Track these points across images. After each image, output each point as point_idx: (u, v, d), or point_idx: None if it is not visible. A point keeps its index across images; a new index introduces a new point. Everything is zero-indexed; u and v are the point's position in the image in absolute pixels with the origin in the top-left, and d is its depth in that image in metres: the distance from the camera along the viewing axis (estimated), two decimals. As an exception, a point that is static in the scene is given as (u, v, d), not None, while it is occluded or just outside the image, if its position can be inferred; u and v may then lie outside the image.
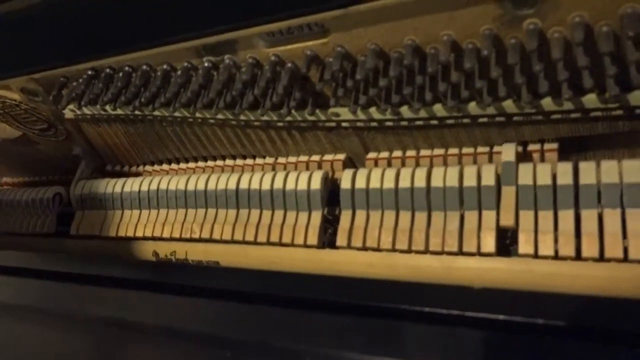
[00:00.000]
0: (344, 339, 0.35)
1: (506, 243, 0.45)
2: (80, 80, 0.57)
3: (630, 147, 0.46)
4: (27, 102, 0.65)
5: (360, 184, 0.50)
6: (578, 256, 0.40)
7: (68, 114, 0.64)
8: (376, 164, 0.54)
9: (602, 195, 0.41)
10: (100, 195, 0.67)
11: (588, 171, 0.42)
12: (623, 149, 0.46)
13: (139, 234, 0.63)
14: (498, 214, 0.45)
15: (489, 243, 0.44)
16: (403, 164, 0.53)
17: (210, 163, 0.66)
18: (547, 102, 0.43)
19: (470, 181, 0.46)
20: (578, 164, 0.43)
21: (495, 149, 0.49)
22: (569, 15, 0.36)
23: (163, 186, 0.62)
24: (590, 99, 0.41)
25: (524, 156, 0.47)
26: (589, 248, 0.40)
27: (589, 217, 0.41)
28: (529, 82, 0.41)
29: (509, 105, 0.44)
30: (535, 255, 0.42)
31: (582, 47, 0.37)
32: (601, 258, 0.40)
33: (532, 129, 0.46)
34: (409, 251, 0.47)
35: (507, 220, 0.43)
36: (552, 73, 0.39)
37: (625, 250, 0.39)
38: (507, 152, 0.46)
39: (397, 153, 0.54)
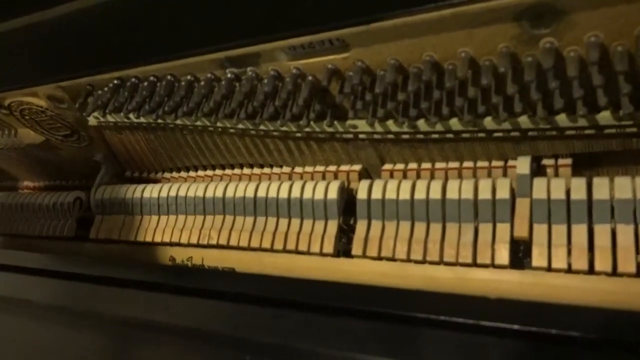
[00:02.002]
0: (358, 343, 0.35)
1: (519, 256, 0.46)
2: (106, 89, 0.59)
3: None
4: (52, 109, 0.67)
5: (377, 194, 0.51)
6: (591, 270, 0.41)
7: (92, 121, 0.66)
8: (392, 176, 0.55)
9: (615, 211, 0.41)
10: (120, 200, 0.68)
11: (601, 187, 0.43)
12: (636, 165, 0.47)
13: (157, 239, 0.64)
14: (512, 227, 0.46)
15: (503, 255, 0.45)
16: (418, 176, 0.54)
17: (228, 171, 0.67)
18: (561, 119, 0.44)
19: (484, 194, 0.47)
20: (592, 180, 0.43)
21: (510, 162, 0.50)
22: (584, 35, 0.37)
23: (182, 193, 0.64)
24: (605, 116, 0.42)
25: (537, 171, 0.48)
26: (602, 262, 0.41)
27: (602, 231, 0.42)
28: (544, 98, 0.42)
29: (524, 120, 0.45)
30: (549, 269, 0.42)
31: (597, 66, 0.38)
32: (614, 272, 0.40)
33: (547, 144, 0.47)
34: (423, 262, 0.48)
35: (521, 232, 0.44)
36: (568, 90, 0.40)
37: (638, 265, 0.39)
38: (522, 165, 0.47)
39: (413, 165, 0.55)
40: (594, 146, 0.46)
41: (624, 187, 0.42)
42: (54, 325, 0.54)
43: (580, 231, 0.42)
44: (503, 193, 0.46)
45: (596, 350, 0.32)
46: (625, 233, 0.41)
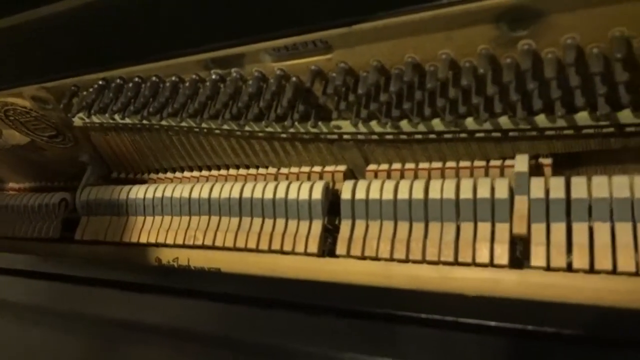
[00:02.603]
0: (338, 340, 0.36)
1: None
2: (91, 89, 0.58)
3: (622, 163, 0.48)
4: (37, 110, 0.66)
5: (360, 194, 0.52)
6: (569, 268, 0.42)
7: (77, 121, 0.66)
8: (376, 176, 0.55)
9: (593, 210, 0.42)
10: (106, 201, 0.68)
11: (580, 185, 0.43)
12: (615, 164, 0.48)
13: (143, 240, 0.64)
14: (493, 225, 0.46)
15: (484, 254, 0.45)
16: (402, 176, 0.54)
17: (214, 172, 0.68)
18: (541, 119, 0.44)
19: (466, 193, 0.47)
20: (570, 179, 0.44)
21: (492, 162, 0.51)
22: (561, 37, 0.38)
23: (168, 194, 0.64)
24: (582, 117, 0.43)
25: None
26: (580, 260, 0.41)
27: (581, 229, 0.43)
28: (523, 99, 0.43)
29: (504, 121, 0.46)
30: (528, 266, 0.43)
31: (574, 67, 0.38)
32: (591, 270, 0.41)
33: (527, 144, 0.48)
34: (406, 261, 0.49)
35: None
36: (546, 91, 0.41)
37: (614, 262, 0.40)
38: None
39: (397, 165, 0.55)
40: (574, 146, 0.47)
41: (601, 186, 0.42)
42: (39, 327, 0.53)
43: (559, 229, 0.43)
44: (484, 193, 0.46)
45: (573, 345, 0.33)
46: (603, 231, 0.41)
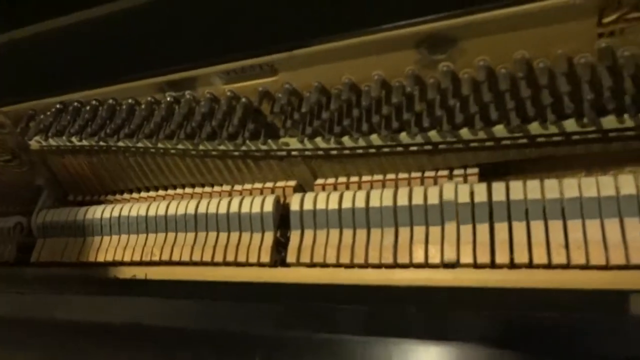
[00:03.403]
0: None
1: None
2: (49, 113, 0.61)
3: (539, 172, 0.53)
4: (-7, 134, 0.68)
5: (308, 206, 0.56)
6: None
7: (34, 145, 0.67)
8: (323, 189, 0.60)
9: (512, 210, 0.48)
10: (62, 222, 0.69)
11: (500, 190, 0.49)
12: (535, 173, 0.54)
13: (101, 259, 0.66)
14: (427, 228, 0.51)
15: (420, 255, 0.50)
16: (347, 189, 0.59)
17: (170, 192, 0.70)
18: (464, 132, 0.50)
19: (402, 201, 0.52)
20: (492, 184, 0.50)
21: (426, 174, 0.56)
22: (474, 59, 0.44)
23: (125, 213, 0.66)
24: (499, 129, 0.49)
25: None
26: (502, 256, 0.46)
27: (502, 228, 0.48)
28: (448, 114, 0.48)
29: (433, 134, 0.51)
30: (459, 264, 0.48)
31: (486, 84, 0.44)
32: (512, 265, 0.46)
33: (456, 156, 0.54)
34: (351, 266, 0.53)
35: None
36: (466, 107, 0.47)
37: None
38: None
39: (342, 179, 0.60)
40: (496, 156, 0.53)
41: (517, 189, 0.48)
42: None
43: (483, 229, 0.48)
44: (418, 200, 0.51)
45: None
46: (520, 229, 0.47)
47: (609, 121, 0.45)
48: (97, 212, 0.68)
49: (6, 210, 0.82)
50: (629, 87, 0.41)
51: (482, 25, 0.41)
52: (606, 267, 0.43)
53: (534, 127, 0.48)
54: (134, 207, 0.66)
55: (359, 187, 0.58)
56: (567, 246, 0.45)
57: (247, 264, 0.58)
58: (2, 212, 0.83)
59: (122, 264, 0.65)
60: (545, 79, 0.42)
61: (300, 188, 0.63)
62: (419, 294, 0.39)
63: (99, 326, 0.46)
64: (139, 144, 0.61)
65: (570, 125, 0.47)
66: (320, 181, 0.61)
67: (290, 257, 0.55)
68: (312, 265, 0.54)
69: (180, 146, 0.60)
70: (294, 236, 0.56)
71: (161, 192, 0.71)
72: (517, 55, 0.42)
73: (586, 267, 0.44)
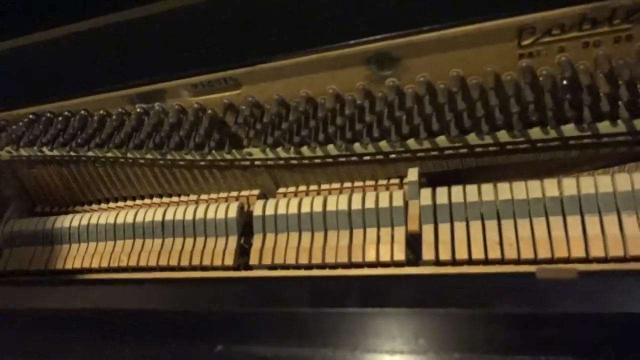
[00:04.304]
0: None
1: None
2: (21, 123, 0.63)
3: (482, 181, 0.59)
4: (-38, 145, 0.70)
5: (270, 211, 0.60)
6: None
7: (4, 155, 0.69)
8: (285, 197, 0.64)
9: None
10: (30, 232, 0.71)
11: (459, 192, 0.53)
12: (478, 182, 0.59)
13: (69, 266, 0.67)
14: (379, 230, 0.55)
15: (371, 254, 0.54)
16: (307, 196, 0.63)
17: (138, 202, 0.73)
18: (411, 142, 0.55)
19: (356, 205, 0.57)
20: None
21: (379, 182, 0.61)
22: (416, 76, 0.50)
23: (93, 221, 0.68)
24: (441, 140, 0.54)
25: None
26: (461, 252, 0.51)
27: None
28: (396, 125, 0.53)
29: (383, 145, 0.56)
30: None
31: (427, 98, 0.50)
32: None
33: (405, 165, 0.59)
34: (310, 266, 0.57)
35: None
36: (411, 119, 0.52)
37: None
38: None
39: (302, 188, 0.64)
40: (441, 165, 0.58)
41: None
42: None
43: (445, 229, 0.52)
44: (370, 203, 0.56)
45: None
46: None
47: (535, 132, 0.51)
48: (66, 221, 0.70)
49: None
50: (548, 102, 0.47)
51: (420, 45, 0.46)
52: (534, 262, 0.48)
53: (472, 138, 0.53)
54: (102, 216, 0.68)
55: (318, 195, 0.63)
56: (501, 243, 0.50)
57: (211, 268, 0.61)
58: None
59: (90, 270, 0.67)
60: (477, 94, 0.48)
61: (264, 197, 0.67)
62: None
63: (65, 313, 0.48)
64: (109, 154, 0.64)
65: (502, 135, 0.52)
66: (282, 190, 0.65)
67: (253, 259, 0.58)
68: (273, 267, 0.58)
69: (149, 156, 0.64)
70: (257, 239, 0.60)
71: (129, 203, 0.74)
72: (453, 73, 0.48)
73: (518, 261, 0.49)
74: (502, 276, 0.43)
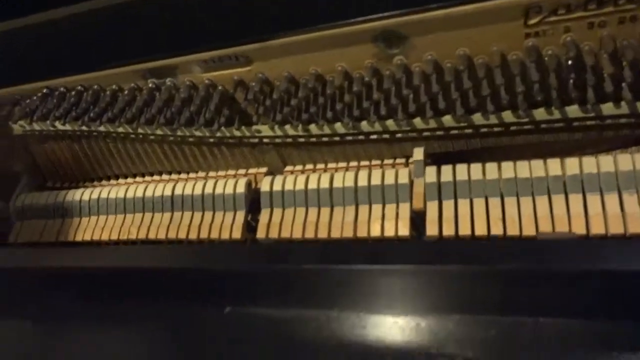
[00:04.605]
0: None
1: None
2: (35, 97, 0.65)
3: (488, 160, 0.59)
4: (-23, 119, 0.71)
5: (277, 187, 0.61)
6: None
7: (17, 130, 0.71)
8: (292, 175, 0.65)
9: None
10: (42, 205, 0.73)
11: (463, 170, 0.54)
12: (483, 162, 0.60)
13: (79, 238, 0.69)
14: (384, 206, 0.57)
15: (376, 229, 0.55)
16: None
17: (147, 178, 0.74)
18: (417, 121, 0.56)
19: (362, 182, 0.58)
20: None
21: (385, 161, 0.62)
22: (424, 54, 0.51)
23: (104, 195, 0.70)
24: (447, 119, 0.55)
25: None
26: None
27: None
28: (402, 104, 0.54)
29: (390, 123, 0.57)
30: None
31: (434, 77, 0.51)
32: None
33: (412, 145, 0.60)
34: (316, 240, 0.58)
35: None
36: (417, 97, 0.53)
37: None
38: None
39: (310, 166, 0.65)
40: (446, 146, 0.59)
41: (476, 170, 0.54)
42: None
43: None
44: (376, 180, 0.57)
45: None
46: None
47: (539, 113, 0.52)
48: (77, 195, 0.71)
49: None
50: (553, 82, 0.48)
51: (428, 24, 0.47)
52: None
53: (477, 118, 0.54)
54: (112, 190, 0.70)
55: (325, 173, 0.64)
56: (503, 220, 0.51)
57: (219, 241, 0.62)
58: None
59: (100, 243, 0.68)
60: (483, 72, 0.49)
61: (271, 175, 0.68)
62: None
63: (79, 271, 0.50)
64: (120, 129, 0.66)
65: (507, 116, 0.53)
66: (289, 168, 0.66)
67: (260, 233, 0.60)
68: (280, 241, 0.59)
69: (159, 132, 0.65)
70: (264, 214, 0.61)
71: (138, 179, 0.75)
72: (460, 52, 0.49)
73: (520, 238, 0.50)
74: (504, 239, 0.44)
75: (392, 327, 0.37)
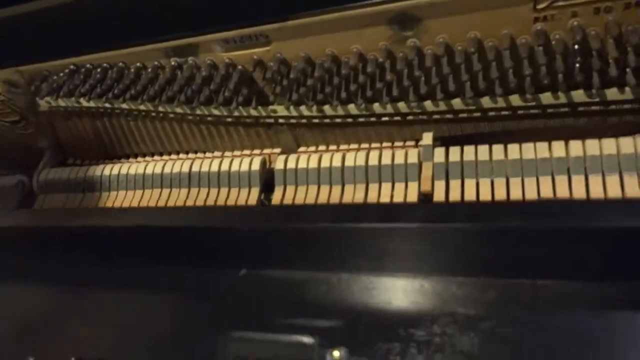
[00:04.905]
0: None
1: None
2: (62, 74, 0.68)
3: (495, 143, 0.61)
4: (5, 94, 0.74)
5: (291, 165, 0.63)
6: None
7: (43, 106, 0.74)
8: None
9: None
10: (64, 180, 0.76)
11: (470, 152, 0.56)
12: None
13: (99, 211, 0.72)
14: (393, 185, 0.59)
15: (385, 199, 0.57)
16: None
17: (165, 157, 0.77)
18: (427, 104, 0.58)
19: (373, 161, 0.60)
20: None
21: (396, 144, 0.64)
22: (436, 37, 0.53)
23: (124, 171, 0.72)
24: (456, 102, 0.57)
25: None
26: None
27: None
28: (415, 86, 0.57)
29: (402, 106, 0.60)
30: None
31: (445, 59, 0.53)
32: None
33: (421, 128, 0.62)
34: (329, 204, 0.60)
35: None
36: (429, 79, 0.55)
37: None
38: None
39: (322, 147, 0.68)
40: (455, 130, 0.61)
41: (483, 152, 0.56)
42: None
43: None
44: (387, 160, 0.59)
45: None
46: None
47: (546, 97, 0.54)
48: (98, 170, 0.74)
49: (8, 169, 0.88)
50: (559, 66, 0.50)
51: (441, 6, 0.49)
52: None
53: (485, 101, 0.56)
54: (132, 166, 0.73)
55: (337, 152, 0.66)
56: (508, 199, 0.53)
57: (233, 216, 0.65)
58: (4, 171, 0.89)
59: (118, 217, 0.71)
60: (492, 55, 0.51)
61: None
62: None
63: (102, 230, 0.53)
64: (142, 107, 0.69)
65: (514, 99, 0.55)
66: (302, 149, 0.68)
67: (273, 209, 0.62)
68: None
69: (178, 110, 0.68)
70: (277, 192, 0.64)
71: (157, 158, 0.78)
72: (471, 35, 0.51)
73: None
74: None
75: (399, 288, 0.39)
